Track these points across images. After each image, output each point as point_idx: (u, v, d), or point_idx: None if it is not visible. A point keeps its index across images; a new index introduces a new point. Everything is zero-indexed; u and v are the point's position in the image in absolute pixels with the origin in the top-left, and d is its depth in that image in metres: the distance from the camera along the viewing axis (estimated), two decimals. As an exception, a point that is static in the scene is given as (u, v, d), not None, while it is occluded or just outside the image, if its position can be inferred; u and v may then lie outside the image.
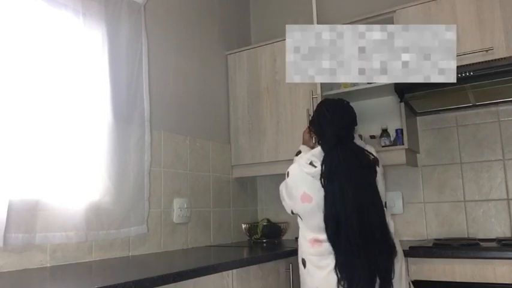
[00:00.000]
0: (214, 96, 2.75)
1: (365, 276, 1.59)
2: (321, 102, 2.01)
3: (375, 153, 1.80)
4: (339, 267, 1.64)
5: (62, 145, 1.74)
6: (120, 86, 2.00)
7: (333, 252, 1.66)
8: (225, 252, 2.18)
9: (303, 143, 2.03)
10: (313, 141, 1.93)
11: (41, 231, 1.61)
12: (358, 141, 1.85)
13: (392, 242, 1.68)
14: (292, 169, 1.83)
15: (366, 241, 1.61)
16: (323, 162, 1.71)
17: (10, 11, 1.61)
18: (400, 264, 1.72)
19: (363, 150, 1.78)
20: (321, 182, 1.69)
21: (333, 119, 1.81)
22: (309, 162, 1.76)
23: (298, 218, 1.84)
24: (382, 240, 1.65)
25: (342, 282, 1.62)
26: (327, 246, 1.68)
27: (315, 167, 1.73)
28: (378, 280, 1.61)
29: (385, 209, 1.74)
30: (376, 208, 1.67)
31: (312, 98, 2.43)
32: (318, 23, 2.27)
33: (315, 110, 1.94)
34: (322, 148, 1.76)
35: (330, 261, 1.66)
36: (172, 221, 2.27)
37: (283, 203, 1.91)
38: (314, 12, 2.40)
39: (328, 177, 1.69)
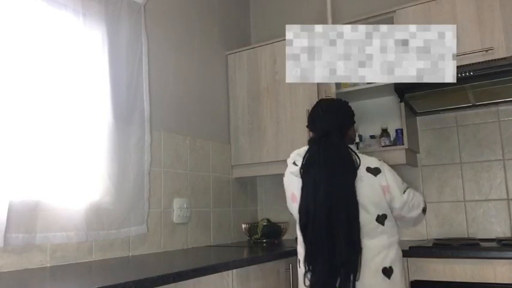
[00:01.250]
0: (214, 96, 2.75)
1: (326, 271, 1.59)
2: (318, 101, 2.00)
3: (376, 165, 1.69)
4: (306, 259, 1.65)
5: (62, 145, 1.74)
6: (120, 86, 2.00)
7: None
8: (225, 252, 2.18)
9: None
10: None
11: (41, 231, 1.62)
12: (364, 156, 1.77)
13: (356, 243, 1.60)
14: (286, 170, 1.84)
15: (330, 236, 1.59)
16: (305, 154, 1.72)
17: (10, 11, 1.61)
18: (398, 268, 1.68)
19: (346, 147, 1.72)
20: (300, 173, 1.70)
21: (324, 116, 1.80)
22: (292, 161, 1.78)
23: None
24: (346, 238, 1.59)
25: (308, 275, 1.64)
26: (302, 268, 1.70)
27: (297, 165, 1.74)
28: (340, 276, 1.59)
29: (367, 214, 1.64)
30: (346, 206, 1.61)
31: (326, 97, 2.33)
32: (317, 23, 2.26)
33: (311, 108, 1.94)
34: (308, 143, 1.77)
35: (303, 281, 1.70)
36: (172, 221, 2.27)
37: None
38: (328, 11, 2.37)
39: (306, 168, 1.69)
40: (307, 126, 1.90)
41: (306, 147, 1.77)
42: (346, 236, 1.59)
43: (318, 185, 1.64)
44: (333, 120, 1.77)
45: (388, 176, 1.68)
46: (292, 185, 1.77)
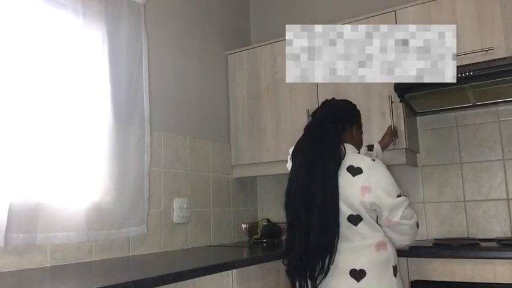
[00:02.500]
0: (214, 96, 2.75)
1: (300, 252, 1.61)
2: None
3: (360, 164, 1.64)
4: (286, 239, 1.70)
5: (63, 146, 1.74)
6: (120, 86, 2.00)
7: None
8: (225, 252, 2.18)
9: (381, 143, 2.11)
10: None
11: (42, 231, 1.62)
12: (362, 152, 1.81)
13: (329, 227, 1.58)
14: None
15: (307, 218, 1.61)
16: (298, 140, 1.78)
17: (10, 11, 1.61)
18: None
19: (337, 137, 1.72)
20: (292, 157, 1.76)
21: (321, 110, 1.85)
22: (289, 157, 1.82)
23: None
24: (320, 221, 1.58)
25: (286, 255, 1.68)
26: None
27: (292, 161, 1.78)
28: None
29: (339, 210, 1.60)
30: (323, 190, 1.60)
31: (391, 102, 2.28)
32: (317, 23, 2.25)
33: None
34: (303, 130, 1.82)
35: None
36: (172, 221, 2.27)
37: None
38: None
39: (295, 151, 1.75)
40: None
41: None
42: (320, 219, 1.58)
43: (301, 168, 1.67)
44: (328, 112, 1.81)
45: (374, 177, 1.62)
46: None
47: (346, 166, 1.64)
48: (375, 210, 1.62)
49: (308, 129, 1.78)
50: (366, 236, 1.62)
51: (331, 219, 1.59)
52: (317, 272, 1.58)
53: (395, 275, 1.63)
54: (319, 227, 1.58)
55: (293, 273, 1.65)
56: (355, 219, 1.62)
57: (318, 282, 1.59)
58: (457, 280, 1.85)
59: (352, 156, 1.68)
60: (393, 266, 1.63)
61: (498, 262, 1.79)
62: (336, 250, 1.58)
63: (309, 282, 1.61)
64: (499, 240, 2.03)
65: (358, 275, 1.58)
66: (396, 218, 1.59)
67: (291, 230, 1.68)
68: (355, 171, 1.63)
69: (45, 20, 1.73)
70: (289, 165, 1.81)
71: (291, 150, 1.82)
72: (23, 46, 1.63)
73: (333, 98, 1.93)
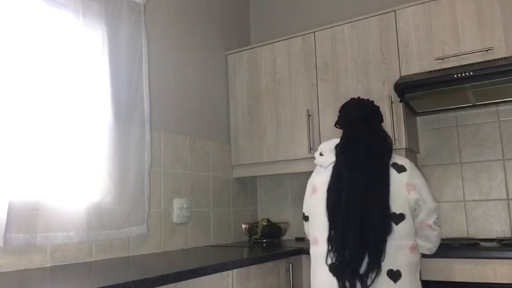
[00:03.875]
0: (214, 96, 2.75)
1: (353, 251, 1.54)
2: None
3: (403, 163, 1.65)
4: (332, 237, 1.60)
5: (63, 145, 1.74)
6: (120, 86, 2.00)
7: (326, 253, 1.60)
8: (225, 252, 2.18)
9: None
10: None
11: (42, 231, 1.62)
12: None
13: (386, 224, 1.55)
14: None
15: (363, 215, 1.55)
16: (342, 134, 1.71)
17: (10, 11, 1.61)
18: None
19: (384, 135, 1.72)
20: (336, 150, 1.68)
21: (356, 103, 1.79)
22: (319, 153, 1.74)
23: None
24: (379, 219, 1.55)
25: (331, 254, 1.58)
26: (323, 247, 1.63)
27: (323, 155, 1.72)
28: (366, 258, 1.53)
29: (389, 211, 1.57)
30: (381, 186, 1.58)
31: (391, 102, 2.29)
32: (318, 23, 2.25)
33: (340, 108, 1.87)
34: (344, 126, 1.76)
35: (324, 260, 1.62)
36: (172, 221, 2.27)
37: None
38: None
39: (343, 146, 1.67)
40: (337, 123, 1.82)
41: (333, 140, 1.74)
42: (380, 219, 1.54)
43: (354, 165, 1.61)
44: (367, 107, 1.76)
45: (417, 178, 1.64)
46: (316, 177, 1.74)
47: (391, 163, 1.64)
48: (415, 209, 1.61)
49: (351, 125, 1.72)
50: (402, 237, 1.59)
51: (387, 217, 1.56)
52: (368, 271, 1.53)
53: (420, 279, 1.64)
54: (379, 226, 1.54)
55: (342, 273, 1.57)
56: (396, 218, 1.58)
57: (369, 282, 1.52)
58: (457, 280, 1.85)
59: (393, 154, 1.68)
60: (419, 271, 1.63)
61: (498, 262, 1.79)
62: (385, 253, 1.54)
63: (357, 282, 1.54)
64: (499, 240, 2.03)
65: (395, 275, 1.56)
66: (430, 221, 1.62)
67: (341, 229, 1.58)
68: (399, 168, 1.62)
69: (45, 20, 1.73)
70: (320, 160, 1.73)
71: (322, 146, 1.75)
72: (23, 46, 1.63)
73: (359, 97, 1.88)
